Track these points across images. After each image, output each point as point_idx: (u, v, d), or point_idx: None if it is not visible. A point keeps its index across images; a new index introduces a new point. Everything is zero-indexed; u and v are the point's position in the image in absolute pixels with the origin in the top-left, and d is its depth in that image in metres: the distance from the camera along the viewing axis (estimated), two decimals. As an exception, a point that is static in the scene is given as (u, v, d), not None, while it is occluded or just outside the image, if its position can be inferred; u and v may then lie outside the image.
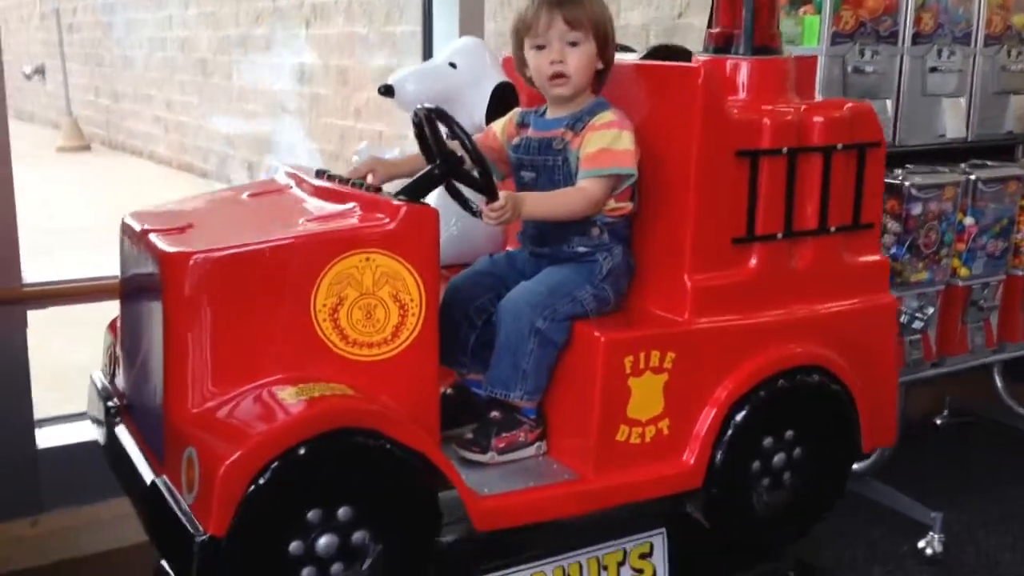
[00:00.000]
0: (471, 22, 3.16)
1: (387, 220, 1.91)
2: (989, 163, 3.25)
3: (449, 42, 2.79)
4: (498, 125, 2.33)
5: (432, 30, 3.26)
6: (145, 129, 13.11)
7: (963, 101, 3.21)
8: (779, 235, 2.22)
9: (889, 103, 3.06)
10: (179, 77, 12.10)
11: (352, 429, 1.81)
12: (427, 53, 3.26)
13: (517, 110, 2.34)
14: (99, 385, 2.31)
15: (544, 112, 2.26)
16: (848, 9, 2.94)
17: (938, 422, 4.04)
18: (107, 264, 2.44)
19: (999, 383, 3.78)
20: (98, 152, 14.02)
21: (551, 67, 2.14)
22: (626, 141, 2.14)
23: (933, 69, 3.11)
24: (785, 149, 2.18)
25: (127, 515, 2.54)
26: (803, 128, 2.21)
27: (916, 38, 3.06)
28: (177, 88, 12.18)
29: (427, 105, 2.05)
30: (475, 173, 2.02)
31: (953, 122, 3.19)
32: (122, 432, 2.14)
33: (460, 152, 2.05)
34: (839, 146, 2.24)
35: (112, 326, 2.33)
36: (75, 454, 2.81)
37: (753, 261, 2.22)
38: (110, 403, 2.20)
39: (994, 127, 3.31)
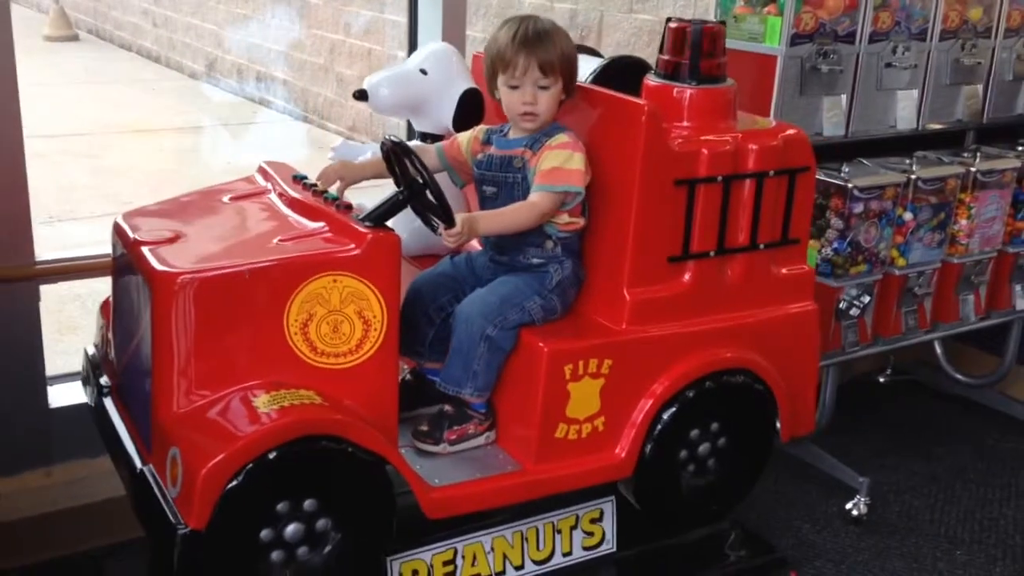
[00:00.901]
0: (454, 17, 3.31)
1: (353, 246, 2.13)
2: (934, 155, 3.44)
3: (436, 36, 2.96)
4: (463, 138, 2.53)
5: (417, 21, 3.40)
6: (134, 21, 13.04)
7: (916, 93, 3.39)
8: (712, 253, 2.45)
9: (844, 98, 3.24)
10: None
11: (317, 436, 2.06)
12: (412, 45, 3.41)
13: (482, 127, 2.53)
14: (92, 359, 2.56)
15: (507, 132, 2.46)
16: (808, 11, 3.09)
17: (881, 380, 4.31)
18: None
19: (939, 350, 4.05)
20: (86, 42, 13.96)
21: (523, 107, 2.35)
22: (577, 162, 2.35)
23: (888, 65, 3.29)
24: (720, 177, 2.39)
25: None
26: (739, 156, 2.42)
27: (873, 36, 3.22)
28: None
29: (392, 138, 2.25)
30: (433, 200, 2.22)
31: (905, 114, 3.38)
32: (110, 407, 2.38)
33: (420, 179, 2.26)
34: (771, 172, 2.45)
35: (104, 308, 2.56)
36: (84, 412, 3.04)
37: (687, 276, 2.45)
38: (102, 380, 2.45)
39: (945, 116, 3.50)
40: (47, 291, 3.04)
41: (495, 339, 2.34)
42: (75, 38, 13.83)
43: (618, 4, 5.73)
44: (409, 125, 3.07)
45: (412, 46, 3.42)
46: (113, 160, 8.57)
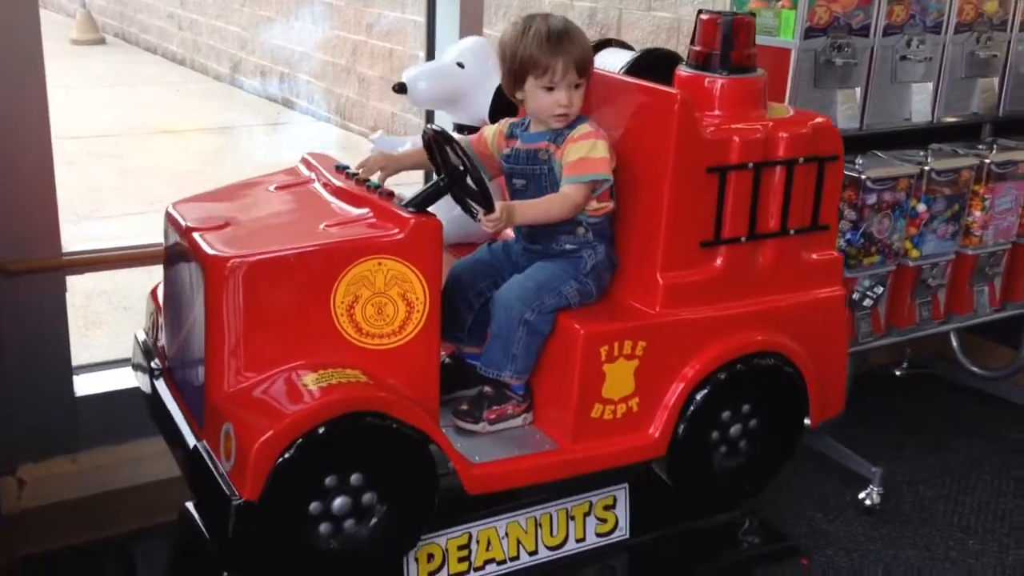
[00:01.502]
0: (471, 16, 3.39)
1: (396, 231, 2.21)
2: (949, 147, 3.49)
3: (453, 36, 3.04)
4: (489, 132, 2.60)
5: (435, 21, 3.48)
6: (159, 24, 13.17)
7: (931, 86, 3.43)
8: (743, 238, 2.51)
9: (858, 90, 3.28)
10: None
11: (363, 412, 2.14)
12: (431, 43, 3.49)
13: (506, 121, 2.60)
14: (143, 345, 2.64)
15: (528, 126, 2.53)
16: (822, 5, 3.14)
17: (897, 373, 4.35)
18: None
19: (955, 342, 4.10)
20: (113, 46, 14.11)
21: (558, 108, 2.42)
22: (601, 149, 2.42)
23: (903, 58, 3.33)
24: (751, 164, 2.46)
25: (156, 454, 2.89)
26: (769, 144, 2.49)
27: (887, 29, 3.26)
28: (191, -16, 12.19)
29: (434, 127, 2.33)
30: (474, 187, 2.30)
31: (920, 107, 3.43)
32: (163, 389, 2.47)
33: (462, 167, 2.33)
34: (801, 159, 2.52)
35: (154, 294, 2.65)
36: (109, 400, 3.11)
37: (719, 261, 2.51)
38: (154, 363, 2.53)
39: (961, 109, 3.54)
40: (74, 287, 3.12)
41: (533, 323, 2.41)
42: (101, 41, 13.98)
43: (636, 2, 5.80)
44: (427, 119, 3.15)
45: (431, 45, 3.51)
46: (139, 161, 8.68)
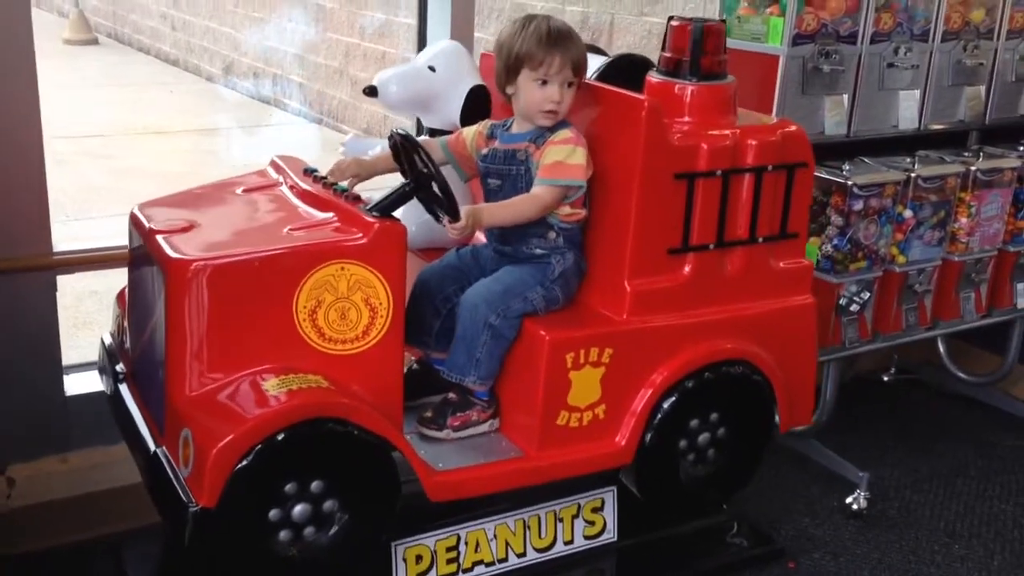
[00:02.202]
0: (463, 19, 3.39)
1: (360, 236, 2.20)
2: (936, 154, 3.48)
3: (445, 39, 3.04)
4: (468, 133, 2.59)
5: (427, 23, 3.48)
6: (152, 25, 13.18)
7: (918, 93, 3.43)
8: (711, 246, 2.51)
9: (846, 97, 3.29)
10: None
11: (324, 418, 2.12)
12: (422, 45, 3.48)
13: (487, 122, 2.59)
14: (108, 348, 2.63)
15: (510, 127, 2.52)
16: (810, 12, 3.15)
17: (885, 379, 4.35)
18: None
19: (942, 348, 4.10)
20: (106, 46, 14.11)
21: (549, 104, 2.41)
22: (579, 156, 2.41)
23: (890, 65, 3.34)
24: (719, 171, 2.45)
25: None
26: (738, 151, 2.48)
27: (875, 36, 3.27)
28: (183, -15, 12.19)
29: (400, 131, 2.32)
30: (439, 193, 2.29)
31: (907, 114, 3.43)
32: (126, 393, 2.45)
33: (426, 172, 2.32)
34: (770, 167, 2.51)
35: (120, 298, 2.63)
36: (100, 400, 3.08)
37: (687, 268, 2.51)
38: (118, 367, 2.52)
39: (948, 117, 3.55)
40: (64, 287, 3.12)
41: (497, 327, 2.41)
42: (94, 42, 13.99)
43: (628, 7, 5.80)
44: (418, 122, 3.15)
45: (422, 48, 3.49)
46: (130, 161, 8.68)
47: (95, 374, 3.17)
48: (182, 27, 12.36)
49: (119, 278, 2.69)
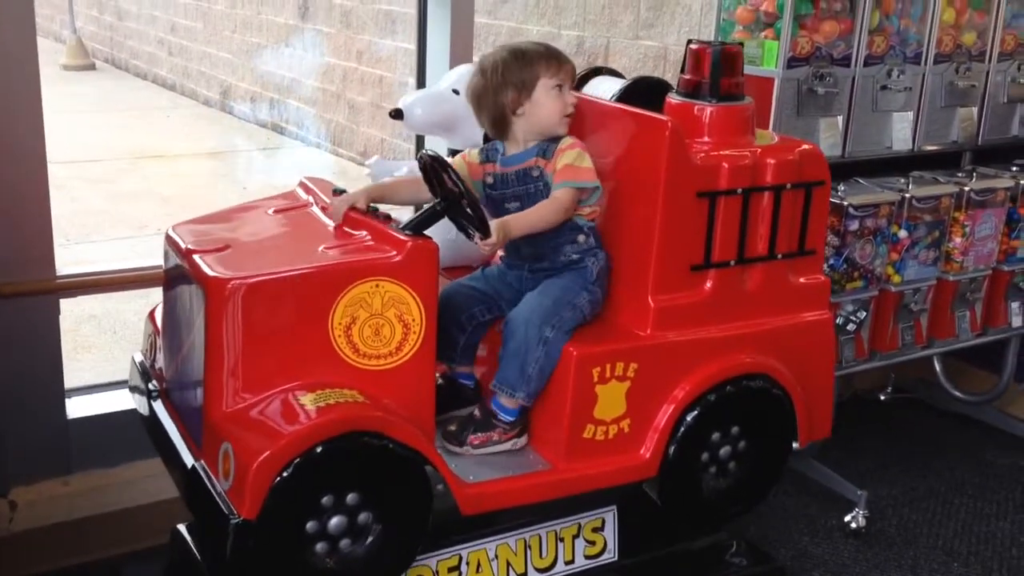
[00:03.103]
0: (462, 44, 3.45)
1: (394, 253, 2.25)
2: (930, 175, 3.57)
3: (443, 63, 3.10)
4: (456, 164, 2.56)
5: (426, 49, 3.55)
6: (150, 50, 13.24)
7: (911, 115, 3.51)
8: (732, 262, 2.56)
9: (840, 119, 3.36)
10: (183, 0, 12.18)
11: (360, 432, 2.17)
12: (421, 70, 3.55)
13: (471, 150, 2.63)
14: (140, 367, 2.67)
15: (503, 149, 2.57)
16: (804, 35, 3.23)
17: (882, 397, 4.41)
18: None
19: (938, 367, 4.16)
20: (103, 71, 14.17)
21: (569, 108, 2.50)
22: (587, 160, 2.49)
23: (884, 87, 3.41)
24: (740, 189, 2.51)
25: (147, 477, 2.91)
26: (757, 170, 2.54)
27: (868, 59, 3.35)
28: (181, 11, 12.27)
29: (430, 153, 2.37)
30: (470, 211, 2.34)
31: (901, 135, 3.50)
32: (160, 410, 2.50)
33: (456, 191, 2.37)
34: (788, 185, 2.57)
35: (152, 316, 2.68)
36: (101, 423, 3.13)
37: (708, 284, 2.56)
38: (151, 385, 2.56)
39: (941, 138, 3.62)
40: (64, 312, 3.15)
41: (552, 341, 2.43)
42: (92, 67, 14.06)
43: (623, 31, 5.88)
44: (418, 145, 3.20)
45: (421, 73, 3.57)
46: (128, 185, 8.73)
47: (97, 397, 3.22)
48: (179, 52, 12.42)
49: (118, 302, 2.73)
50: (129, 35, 13.77)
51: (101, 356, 5.01)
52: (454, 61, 3.42)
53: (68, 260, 3.79)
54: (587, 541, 2.75)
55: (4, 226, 2.89)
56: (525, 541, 2.67)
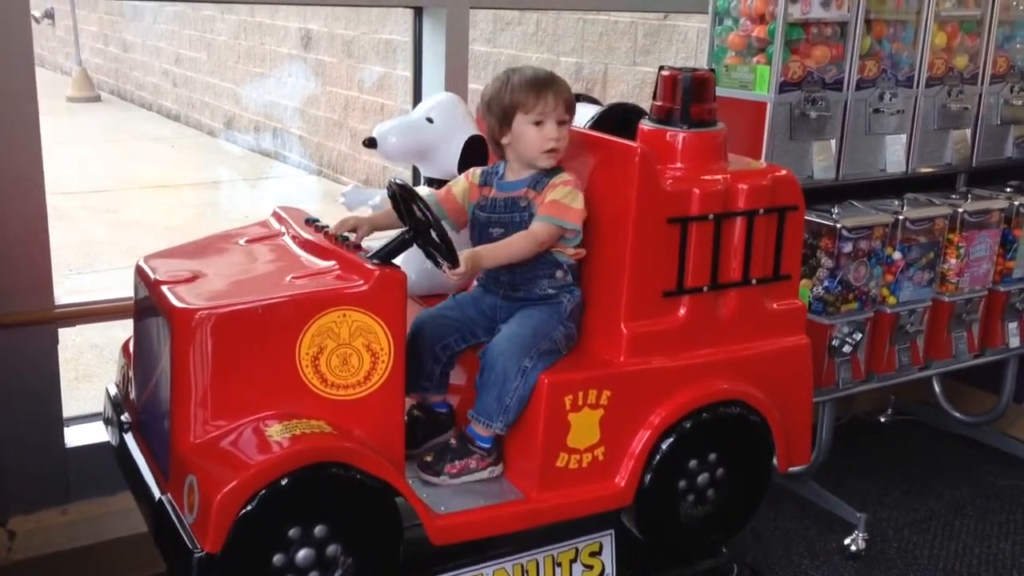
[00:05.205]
0: (457, 72, 3.46)
1: (361, 283, 2.25)
2: (925, 197, 3.56)
3: (440, 91, 3.10)
4: (458, 186, 2.62)
5: (422, 77, 3.56)
6: (154, 81, 13.34)
7: (904, 138, 3.51)
8: (705, 288, 2.55)
9: (833, 142, 3.36)
10: (187, 32, 12.29)
11: (327, 463, 2.16)
12: (417, 98, 3.56)
13: (475, 170, 2.64)
14: (114, 399, 2.67)
15: (503, 174, 2.58)
16: (796, 60, 3.24)
17: (882, 420, 4.39)
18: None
19: (937, 388, 4.14)
20: (108, 102, 14.28)
21: (548, 143, 2.47)
22: (579, 201, 2.47)
23: (876, 110, 3.41)
24: (711, 215, 2.50)
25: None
26: (729, 195, 2.53)
27: (860, 83, 3.35)
28: (185, 43, 12.38)
29: (398, 181, 2.37)
30: (438, 240, 2.34)
31: (894, 158, 3.50)
32: (131, 443, 2.49)
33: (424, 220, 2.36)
34: (761, 210, 2.56)
35: (125, 349, 2.67)
36: (100, 452, 3.11)
37: (682, 311, 2.55)
38: (123, 417, 2.56)
39: (935, 160, 3.62)
40: (65, 340, 3.16)
41: (531, 371, 2.42)
42: (97, 99, 14.16)
43: (621, 57, 5.90)
44: (415, 172, 3.21)
45: (417, 100, 3.57)
46: (133, 215, 8.78)
47: (95, 426, 3.21)
48: (183, 83, 12.51)
49: (121, 331, 2.74)
50: (134, 66, 13.88)
51: (102, 385, 5.01)
52: (450, 87, 3.43)
53: (71, 289, 3.81)
54: (585, 565, 2.72)
55: (3, 256, 2.90)
56: (522, 566, 2.63)
